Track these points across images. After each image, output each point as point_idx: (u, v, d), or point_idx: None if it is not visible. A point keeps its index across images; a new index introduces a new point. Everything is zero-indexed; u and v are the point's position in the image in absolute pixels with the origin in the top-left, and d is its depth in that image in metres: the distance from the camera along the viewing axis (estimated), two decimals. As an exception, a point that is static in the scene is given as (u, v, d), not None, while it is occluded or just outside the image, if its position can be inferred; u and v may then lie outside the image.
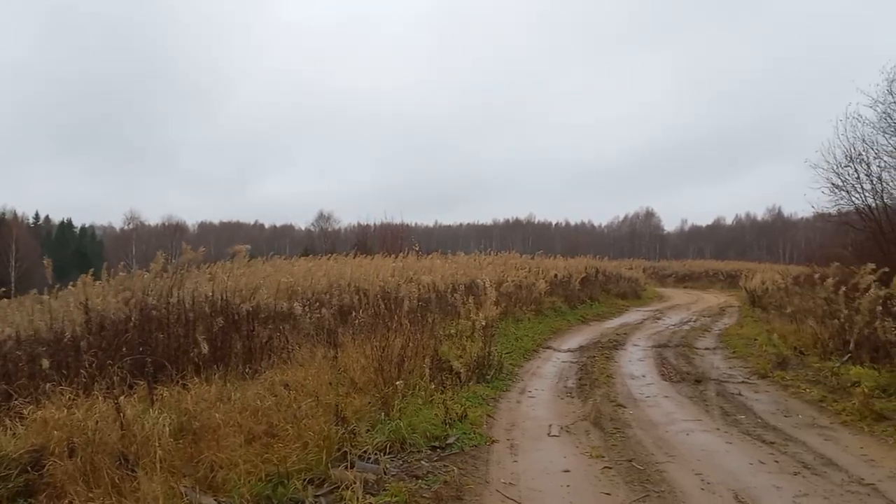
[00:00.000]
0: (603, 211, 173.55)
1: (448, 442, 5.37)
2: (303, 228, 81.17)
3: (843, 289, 9.62)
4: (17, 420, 4.76)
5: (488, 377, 7.97)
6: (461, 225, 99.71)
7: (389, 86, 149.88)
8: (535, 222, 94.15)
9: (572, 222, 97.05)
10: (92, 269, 8.13)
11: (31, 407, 4.80)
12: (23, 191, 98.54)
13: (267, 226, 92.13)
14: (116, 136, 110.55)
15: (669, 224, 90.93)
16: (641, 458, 5.12)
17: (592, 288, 20.68)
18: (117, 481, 3.82)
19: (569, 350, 11.26)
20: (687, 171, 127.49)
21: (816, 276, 12.35)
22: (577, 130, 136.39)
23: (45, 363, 5.65)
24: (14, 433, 4.50)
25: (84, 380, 5.47)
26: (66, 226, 70.12)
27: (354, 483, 4.08)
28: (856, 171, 14.83)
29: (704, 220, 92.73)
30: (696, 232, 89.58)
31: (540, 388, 8.04)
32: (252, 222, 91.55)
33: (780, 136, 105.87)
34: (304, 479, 4.17)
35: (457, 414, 5.94)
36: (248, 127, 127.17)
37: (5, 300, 9.48)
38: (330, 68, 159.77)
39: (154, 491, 3.65)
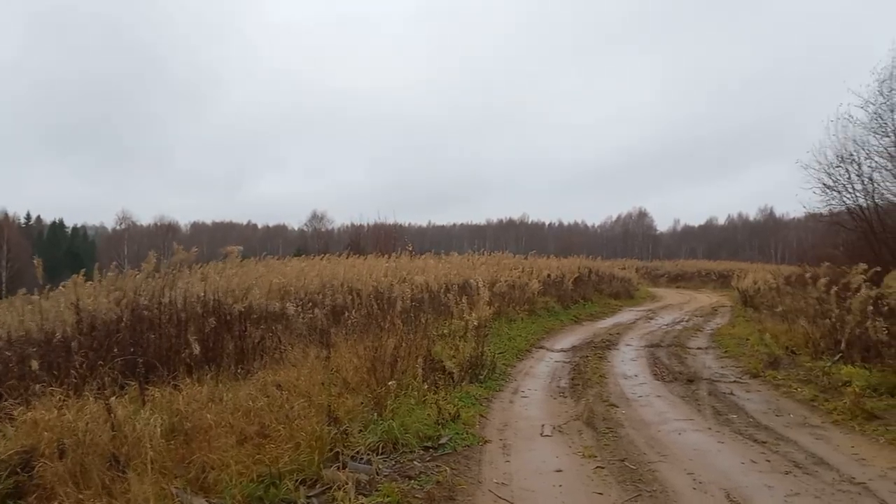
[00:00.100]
0: (596, 211, 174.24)
1: (441, 442, 5.37)
2: (296, 229, 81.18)
3: (835, 288, 9.68)
4: (6, 421, 4.73)
5: (481, 377, 7.97)
6: (455, 225, 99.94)
7: (387, 85, 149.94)
8: (529, 222, 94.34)
9: (565, 222, 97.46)
10: (83, 270, 8.07)
11: (21, 408, 4.77)
12: (14, 191, 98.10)
13: (260, 226, 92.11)
14: (109, 136, 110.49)
15: (662, 224, 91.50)
16: (634, 458, 5.13)
17: (585, 288, 20.71)
18: (108, 483, 3.80)
19: (562, 350, 11.27)
20: (679, 172, 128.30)
21: (808, 276, 12.41)
22: (573, 131, 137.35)
23: (35, 364, 5.61)
24: (4, 435, 4.47)
25: (75, 380, 5.42)
26: (58, 226, 69.81)
27: (347, 483, 4.07)
28: (847, 171, 14.96)
29: (697, 221, 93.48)
30: (689, 232, 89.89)
31: (533, 387, 8.05)
32: (245, 222, 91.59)
33: (779, 136, 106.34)
34: (297, 480, 4.16)
35: (449, 414, 5.93)
36: (244, 127, 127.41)
37: (-4, 301, 9.41)
38: (329, 68, 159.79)
39: (145, 492, 3.63)
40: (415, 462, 4.92)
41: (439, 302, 11.51)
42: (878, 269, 9.72)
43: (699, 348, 11.42)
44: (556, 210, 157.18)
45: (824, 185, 15.35)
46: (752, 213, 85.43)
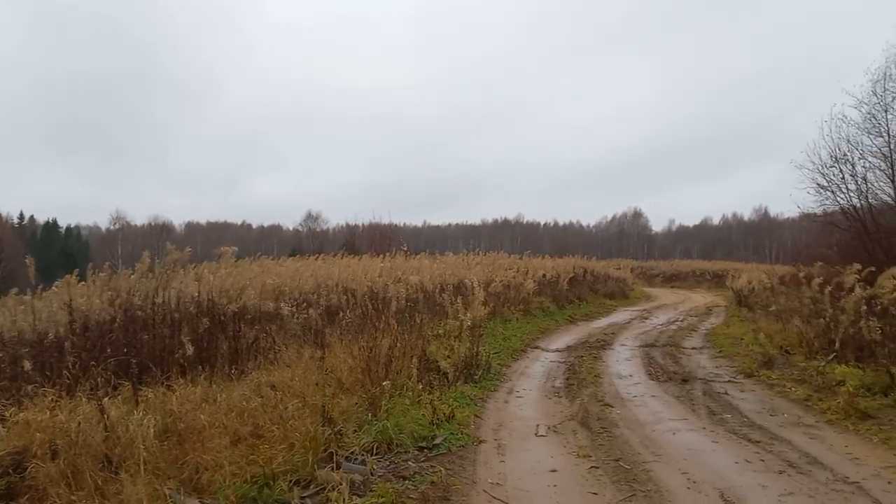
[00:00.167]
0: (591, 211, 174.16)
1: (435, 442, 5.36)
2: (291, 229, 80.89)
3: (829, 288, 9.71)
4: (-2, 422, 4.70)
5: (476, 377, 7.96)
6: (450, 225, 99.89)
7: (387, 85, 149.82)
8: (524, 222, 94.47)
9: (560, 222, 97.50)
10: (77, 270, 8.04)
11: (14, 409, 4.74)
12: (7, 191, 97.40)
13: (255, 226, 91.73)
14: (104, 135, 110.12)
15: (657, 224, 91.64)
16: (628, 458, 5.13)
17: (580, 288, 20.74)
18: (101, 484, 3.78)
19: (557, 350, 11.28)
20: (677, 172, 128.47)
21: (802, 275, 12.48)
22: (570, 131, 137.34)
23: (28, 364, 5.57)
24: (-5, 435, 4.44)
25: (67, 381, 5.40)
26: (52, 226, 69.41)
27: (341, 484, 4.05)
28: (841, 171, 15.01)
29: (692, 221, 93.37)
30: (684, 232, 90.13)
31: (528, 387, 8.05)
32: (240, 222, 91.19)
33: (778, 136, 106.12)
34: (291, 481, 4.14)
35: (444, 414, 5.92)
36: (243, 127, 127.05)
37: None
38: (329, 68, 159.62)
39: (138, 493, 3.62)
40: (409, 462, 4.92)
41: (434, 302, 11.50)
42: (872, 268, 9.75)
43: (694, 348, 11.44)
44: (552, 210, 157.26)
45: (818, 185, 15.42)
46: (746, 214, 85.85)
